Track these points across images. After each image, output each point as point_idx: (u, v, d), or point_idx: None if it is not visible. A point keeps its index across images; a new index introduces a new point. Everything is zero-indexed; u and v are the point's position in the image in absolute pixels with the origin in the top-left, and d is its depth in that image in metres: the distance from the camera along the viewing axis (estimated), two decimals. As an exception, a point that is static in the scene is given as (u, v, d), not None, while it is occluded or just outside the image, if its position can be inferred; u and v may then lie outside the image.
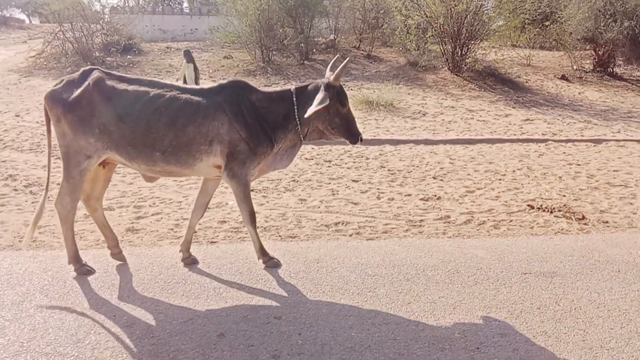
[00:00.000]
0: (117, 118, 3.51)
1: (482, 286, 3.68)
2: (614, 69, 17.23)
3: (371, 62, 17.78)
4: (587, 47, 17.04)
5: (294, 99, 3.72)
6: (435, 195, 6.03)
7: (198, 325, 3.09)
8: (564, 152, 8.55)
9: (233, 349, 2.87)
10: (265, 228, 4.91)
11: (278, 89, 3.83)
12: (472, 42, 15.67)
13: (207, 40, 20.02)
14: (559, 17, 17.05)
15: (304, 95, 3.72)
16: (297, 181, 6.57)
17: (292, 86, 3.84)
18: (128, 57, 17.43)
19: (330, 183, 6.49)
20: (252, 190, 6.14)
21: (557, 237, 4.75)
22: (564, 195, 6.10)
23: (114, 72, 3.76)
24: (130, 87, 3.60)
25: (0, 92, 12.93)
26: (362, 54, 18.63)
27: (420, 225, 5.04)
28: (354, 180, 6.64)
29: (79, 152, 3.54)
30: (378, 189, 6.32)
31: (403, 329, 3.09)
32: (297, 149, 3.96)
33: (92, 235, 4.62)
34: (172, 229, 4.84)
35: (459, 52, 15.77)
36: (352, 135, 3.83)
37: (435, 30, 15.58)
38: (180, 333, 3.01)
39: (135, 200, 5.69)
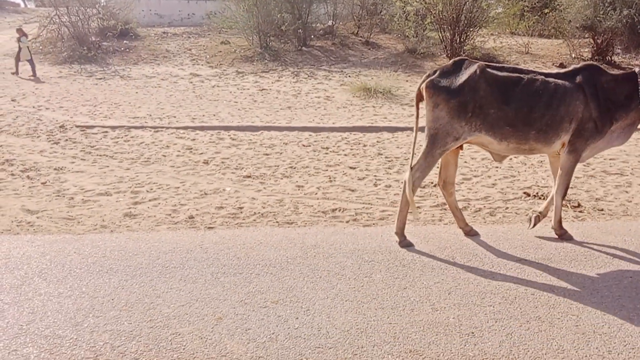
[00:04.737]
0: (501, 101, 3.86)
1: (477, 272, 3.72)
2: (613, 58, 17.20)
3: (369, 49, 17.71)
4: (586, 35, 16.99)
5: (639, 79, 3.98)
6: (431, 183, 6.05)
7: (196, 309, 3.12)
8: (561, 141, 8.56)
9: (231, 332, 2.90)
10: (262, 214, 4.93)
11: (622, 71, 4.14)
12: (471, 29, 15.61)
13: (204, 26, 19.88)
14: (558, 4, 16.99)
15: None
16: (295, 168, 6.58)
17: (636, 68, 4.09)
18: (124, 42, 17.32)
19: (327, 170, 6.50)
20: (250, 176, 6.15)
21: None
22: (560, 183, 6.12)
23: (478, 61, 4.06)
24: (504, 73, 3.95)
25: (-5, 76, 12.84)
26: (360, 40, 18.53)
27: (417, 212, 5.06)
28: (351, 167, 6.66)
29: (449, 134, 3.92)
30: (375, 176, 6.33)
31: (399, 314, 3.13)
32: (635, 127, 4.17)
33: (89, 220, 4.63)
34: (169, 214, 4.85)
35: (458, 39, 15.71)
36: None
37: (434, 17, 15.51)
38: (178, 317, 3.04)
39: (133, 185, 5.69)
